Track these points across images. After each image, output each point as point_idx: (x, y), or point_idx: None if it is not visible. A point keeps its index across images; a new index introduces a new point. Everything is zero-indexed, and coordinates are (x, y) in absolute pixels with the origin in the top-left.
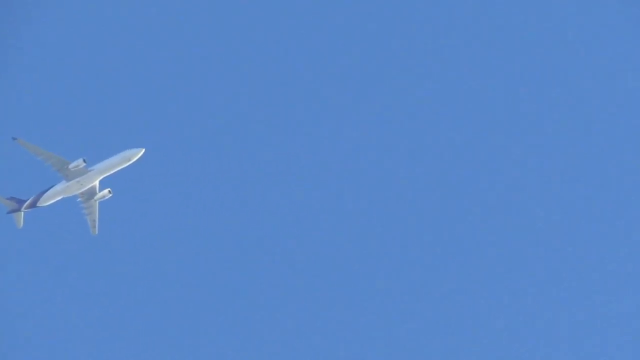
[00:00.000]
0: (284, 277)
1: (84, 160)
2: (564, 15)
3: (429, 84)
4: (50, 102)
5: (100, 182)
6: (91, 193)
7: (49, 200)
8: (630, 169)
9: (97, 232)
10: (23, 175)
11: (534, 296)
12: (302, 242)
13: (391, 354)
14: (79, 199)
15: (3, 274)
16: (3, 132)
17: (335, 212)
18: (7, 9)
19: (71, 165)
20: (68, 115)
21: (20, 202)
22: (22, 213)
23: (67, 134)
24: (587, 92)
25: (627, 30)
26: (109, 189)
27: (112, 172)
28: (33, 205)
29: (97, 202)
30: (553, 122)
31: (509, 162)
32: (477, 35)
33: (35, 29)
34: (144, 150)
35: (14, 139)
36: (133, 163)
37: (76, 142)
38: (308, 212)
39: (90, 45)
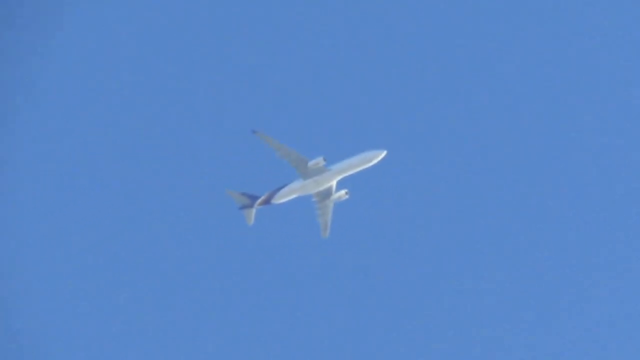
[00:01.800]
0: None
1: (324, 159)
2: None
3: (429, 84)
4: (289, 97)
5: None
6: (327, 193)
7: (283, 197)
8: (631, 170)
9: (328, 235)
10: (256, 170)
11: (535, 297)
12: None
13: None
14: (313, 199)
15: (231, 271)
16: (243, 124)
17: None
18: None
19: (310, 163)
20: (306, 111)
21: (253, 198)
22: (254, 209)
23: (304, 129)
24: (588, 92)
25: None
26: (346, 190)
27: (350, 172)
28: (267, 202)
29: (332, 203)
30: (553, 122)
31: (509, 163)
32: (477, 35)
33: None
34: (385, 152)
35: (254, 132)
36: (373, 165)
37: (311, 139)
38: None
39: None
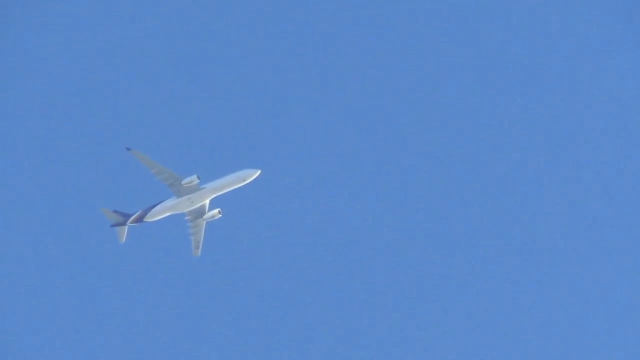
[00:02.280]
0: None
1: (198, 177)
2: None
3: (428, 85)
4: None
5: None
6: (200, 212)
7: (156, 215)
8: (630, 172)
9: (199, 254)
10: (130, 188)
11: (533, 297)
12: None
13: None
14: (186, 217)
15: (100, 289)
16: (116, 142)
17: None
18: None
19: (184, 181)
20: (181, 131)
21: (126, 216)
22: (126, 227)
23: (180, 149)
24: (588, 95)
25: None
26: (219, 209)
27: (224, 191)
28: (139, 220)
29: (205, 221)
30: (552, 125)
31: (508, 165)
32: (475, 37)
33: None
34: (259, 171)
35: (127, 149)
36: (247, 184)
37: (188, 158)
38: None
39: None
